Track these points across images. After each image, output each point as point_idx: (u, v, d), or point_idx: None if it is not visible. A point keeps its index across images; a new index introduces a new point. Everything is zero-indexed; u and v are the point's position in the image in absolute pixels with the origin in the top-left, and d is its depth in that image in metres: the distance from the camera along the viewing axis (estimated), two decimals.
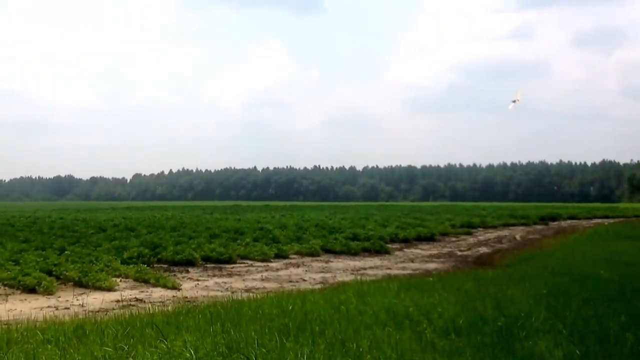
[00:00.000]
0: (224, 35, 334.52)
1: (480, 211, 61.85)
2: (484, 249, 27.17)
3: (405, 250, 26.97)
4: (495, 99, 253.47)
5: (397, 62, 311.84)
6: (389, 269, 20.08)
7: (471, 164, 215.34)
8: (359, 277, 16.68)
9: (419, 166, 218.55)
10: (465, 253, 25.61)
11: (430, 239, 31.95)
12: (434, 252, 26.16)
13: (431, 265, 21.02)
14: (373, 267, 20.75)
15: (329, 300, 10.88)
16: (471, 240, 32.98)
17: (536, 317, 8.81)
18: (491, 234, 37.32)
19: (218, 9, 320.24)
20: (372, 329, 8.14)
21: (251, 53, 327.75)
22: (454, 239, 33.48)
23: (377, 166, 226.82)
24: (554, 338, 7.69)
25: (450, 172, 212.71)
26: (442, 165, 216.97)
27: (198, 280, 17.25)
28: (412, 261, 22.57)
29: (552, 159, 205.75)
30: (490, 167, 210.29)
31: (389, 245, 26.99)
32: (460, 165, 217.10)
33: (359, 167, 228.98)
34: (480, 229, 41.30)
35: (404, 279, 14.83)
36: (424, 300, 10.37)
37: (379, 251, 25.31)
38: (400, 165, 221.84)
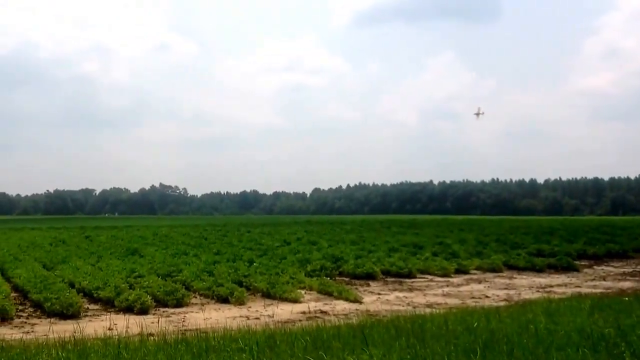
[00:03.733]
0: (398, 49, 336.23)
1: None
2: None
3: (595, 267, 25.45)
4: None
5: (579, 68, 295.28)
6: (578, 287, 19.06)
7: None
8: (546, 295, 16.06)
9: (606, 178, 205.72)
10: None
11: (622, 255, 29.91)
12: (628, 269, 24.43)
13: (625, 284, 19.66)
14: (560, 284, 19.79)
15: (516, 318, 10.54)
16: None
17: None
18: None
19: (391, 23, 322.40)
20: (565, 350, 7.76)
21: (425, 65, 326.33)
22: None
23: (559, 178, 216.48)
24: None
25: None
26: (632, 177, 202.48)
27: (379, 294, 17.40)
28: (604, 279, 21.24)
29: None
30: None
31: (577, 262, 25.60)
32: None
33: (540, 180, 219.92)
34: None
35: (596, 298, 14.02)
36: (620, 321, 9.73)
37: (566, 268, 24.09)
38: (586, 177, 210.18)
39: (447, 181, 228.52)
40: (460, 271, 22.69)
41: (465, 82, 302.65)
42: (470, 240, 36.17)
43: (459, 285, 19.57)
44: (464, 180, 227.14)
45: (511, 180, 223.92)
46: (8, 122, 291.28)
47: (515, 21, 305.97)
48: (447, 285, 19.35)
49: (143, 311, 14.04)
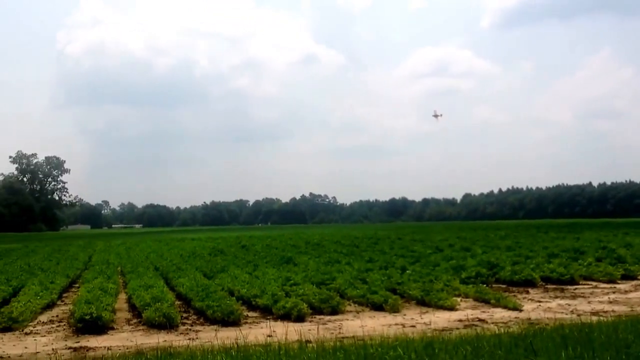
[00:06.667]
0: (549, 48, 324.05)
1: None
2: None
3: None
4: None
5: None
6: None
7: None
8: None
9: None
10: None
11: None
12: None
13: None
14: None
15: None
16: None
17: None
18: None
19: (541, 21, 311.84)
20: None
21: (581, 63, 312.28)
22: None
23: None
24: None
25: None
26: None
27: (539, 301, 16.64)
28: None
29: None
30: None
31: None
32: None
33: None
34: None
35: None
36: None
37: None
38: None
39: (608, 183, 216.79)
40: (627, 277, 21.28)
41: (625, 79, 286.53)
42: (636, 244, 33.98)
43: (626, 291, 18.35)
44: (626, 181, 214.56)
45: None
46: (167, 139, 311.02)
47: None
48: (614, 292, 18.20)
49: (300, 318, 14.26)
